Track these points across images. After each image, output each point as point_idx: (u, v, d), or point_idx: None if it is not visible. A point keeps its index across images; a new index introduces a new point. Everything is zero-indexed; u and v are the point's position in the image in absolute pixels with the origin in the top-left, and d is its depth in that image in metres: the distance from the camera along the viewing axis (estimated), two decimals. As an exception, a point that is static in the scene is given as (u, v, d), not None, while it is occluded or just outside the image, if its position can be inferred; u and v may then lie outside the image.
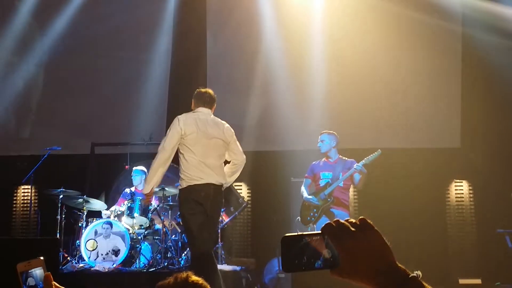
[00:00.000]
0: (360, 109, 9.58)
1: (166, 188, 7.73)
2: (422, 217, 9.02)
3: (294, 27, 9.79)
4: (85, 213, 7.80)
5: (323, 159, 7.04)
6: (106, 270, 7.15)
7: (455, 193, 9.78)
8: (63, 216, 7.94)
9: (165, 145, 5.40)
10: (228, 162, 5.77)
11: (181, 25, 9.96)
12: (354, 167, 6.67)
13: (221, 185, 5.47)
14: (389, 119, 9.56)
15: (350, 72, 9.56)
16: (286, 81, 9.57)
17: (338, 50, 9.61)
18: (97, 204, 8.05)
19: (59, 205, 7.85)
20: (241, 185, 9.57)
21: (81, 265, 7.35)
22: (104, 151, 9.81)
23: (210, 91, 5.83)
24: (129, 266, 7.41)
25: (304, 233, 1.17)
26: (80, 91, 10.14)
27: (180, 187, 5.49)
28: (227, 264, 7.72)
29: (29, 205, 9.64)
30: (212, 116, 5.68)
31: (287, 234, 1.17)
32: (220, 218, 7.77)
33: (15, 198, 10.39)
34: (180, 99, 9.81)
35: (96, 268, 7.23)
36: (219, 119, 5.70)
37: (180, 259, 7.56)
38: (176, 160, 8.29)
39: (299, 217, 7.09)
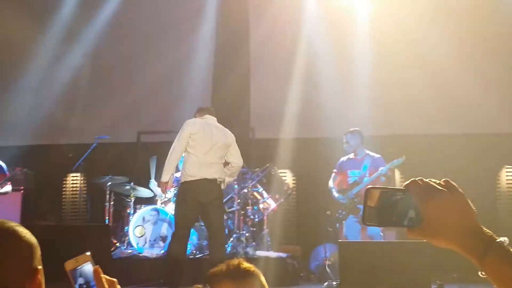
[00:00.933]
0: (406, 95, 9.40)
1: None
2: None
3: (338, 11, 9.67)
4: (133, 200, 7.91)
5: (352, 155, 7.16)
6: (154, 256, 7.26)
7: (506, 180, 9.54)
8: (112, 203, 8.07)
9: (176, 146, 6.09)
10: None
11: (223, 11, 9.95)
12: (380, 170, 6.79)
13: (215, 179, 6.08)
14: (436, 104, 9.33)
15: (396, 56, 9.37)
16: (330, 65, 9.46)
17: (383, 33, 9.43)
18: (144, 191, 8.15)
19: (108, 192, 7.99)
20: (285, 172, 9.54)
21: (129, 251, 7.48)
22: (150, 139, 9.92)
23: (211, 107, 6.73)
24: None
25: (389, 187, 1.15)
26: (125, 79, 10.26)
27: (180, 181, 6.20)
28: (273, 251, 7.73)
29: (78, 192, 9.85)
30: (217, 123, 6.38)
31: (373, 186, 1.16)
32: (266, 205, 7.79)
33: (64, 185, 10.62)
34: (223, 85, 9.85)
35: (144, 254, 7.34)
36: (223, 126, 6.39)
37: (226, 245, 7.60)
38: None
39: (329, 212, 7.15)
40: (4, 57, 10.52)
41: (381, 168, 6.82)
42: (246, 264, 2.08)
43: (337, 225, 7.00)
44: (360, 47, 9.39)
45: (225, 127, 8.34)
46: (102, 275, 1.50)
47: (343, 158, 7.24)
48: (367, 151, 7.13)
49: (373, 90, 9.20)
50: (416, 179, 1.14)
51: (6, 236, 1.39)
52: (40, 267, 1.42)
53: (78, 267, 1.50)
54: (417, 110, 9.37)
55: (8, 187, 7.39)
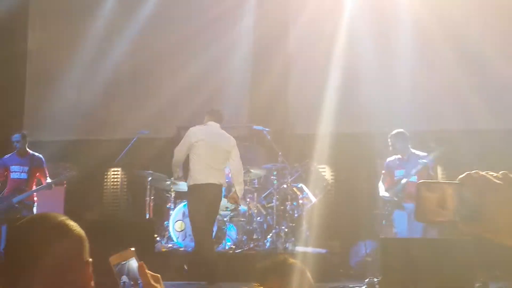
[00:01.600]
0: (448, 89, 9.21)
1: (252, 170, 7.79)
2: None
3: (379, 4, 9.52)
4: (173, 195, 7.96)
5: (398, 155, 7.08)
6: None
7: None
8: (152, 197, 8.13)
9: (177, 152, 6.71)
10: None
11: (263, 5, 9.92)
12: (419, 162, 6.77)
13: (221, 185, 6.61)
14: (480, 99, 9.06)
15: (438, 50, 9.19)
16: (370, 59, 9.32)
17: (425, 26, 9.25)
18: (184, 186, 8.19)
19: (148, 186, 8.05)
20: (324, 168, 9.45)
21: (169, 245, 7.53)
22: (189, 134, 9.94)
23: (220, 110, 7.04)
24: (216, 247, 7.53)
25: (441, 181, 1.10)
26: (165, 75, 10.31)
27: (187, 184, 6.64)
28: (312, 247, 7.69)
29: (118, 186, 9.98)
30: (220, 129, 6.82)
31: (424, 181, 1.12)
32: (305, 201, 7.75)
33: (105, 180, 10.75)
34: (262, 80, 9.83)
35: (184, 248, 7.39)
36: (224, 132, 6.85)
37: (265, 240, 7.60)
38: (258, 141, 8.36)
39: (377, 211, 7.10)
40: (48, 53, 10.73)
41: (422, 160, 6.78)
42: (292, 260, 2.08)
43: (384, 222, 6.94)
44: (401, 41, 9.23)
45: (264, 122, 8.36)
46: (147, 271, 1.51)
47: (390, 158, 7.18)
48: (413, 150, 7.04)
49: (414, 84, 9.03)
50: (472, 172, 1.10)
51: (58, 229, 1.41)
52: (90, 259, 1.43)
53: (123, 262, 1.53)
54: (459, 104, 9.16)
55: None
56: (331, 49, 9.54)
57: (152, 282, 1.58)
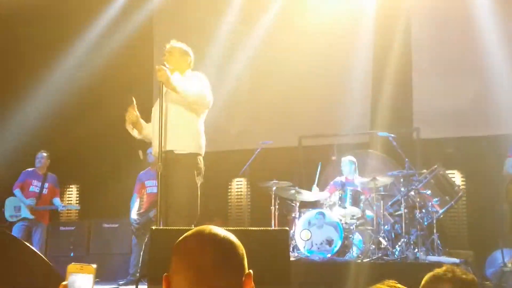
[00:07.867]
0: None
1: (378, 178, 7.61)
2: None
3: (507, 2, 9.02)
4: (298, 204, 7.96)
5: None
6: (321, 259, 7.24)
7: None
8: (276, 207, 8.17)
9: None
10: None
11: (383, 12, 9.73)
12: None
13: None
14: None
15: None
16: (503, 60, 8.81)
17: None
18: (308, 195, 8.16)
19: (272, 196, 8.10)
20: (454, 173, 9.05)
21: (296, 254, 7.52)
22: (311, 143, 9.94)
23: None
24: (342, 256, 7.42)
25: None
26: (285, 84, 10.32)
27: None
28: (445, 256, 7.35)
29: (243, 196, 10.14)
30: None
31: None
32: (435, 208, 7.45)
33: (229, 190, 10.97)
34: (383, 87, 9.60)
35: (311, 257, 7.34)
36: None
37: (394, 250, 7.37)
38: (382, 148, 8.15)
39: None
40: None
41: None
42: (469, 275, 2.03)
43: None
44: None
45: (388, 128, 8.17)
46: None
47: None
48: None
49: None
50: None
51: (230, 243, 1.40)
52: (251, 271, 1.42)
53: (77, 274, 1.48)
54: None
55: None
56: (458, 49, 9.16)
57: None
